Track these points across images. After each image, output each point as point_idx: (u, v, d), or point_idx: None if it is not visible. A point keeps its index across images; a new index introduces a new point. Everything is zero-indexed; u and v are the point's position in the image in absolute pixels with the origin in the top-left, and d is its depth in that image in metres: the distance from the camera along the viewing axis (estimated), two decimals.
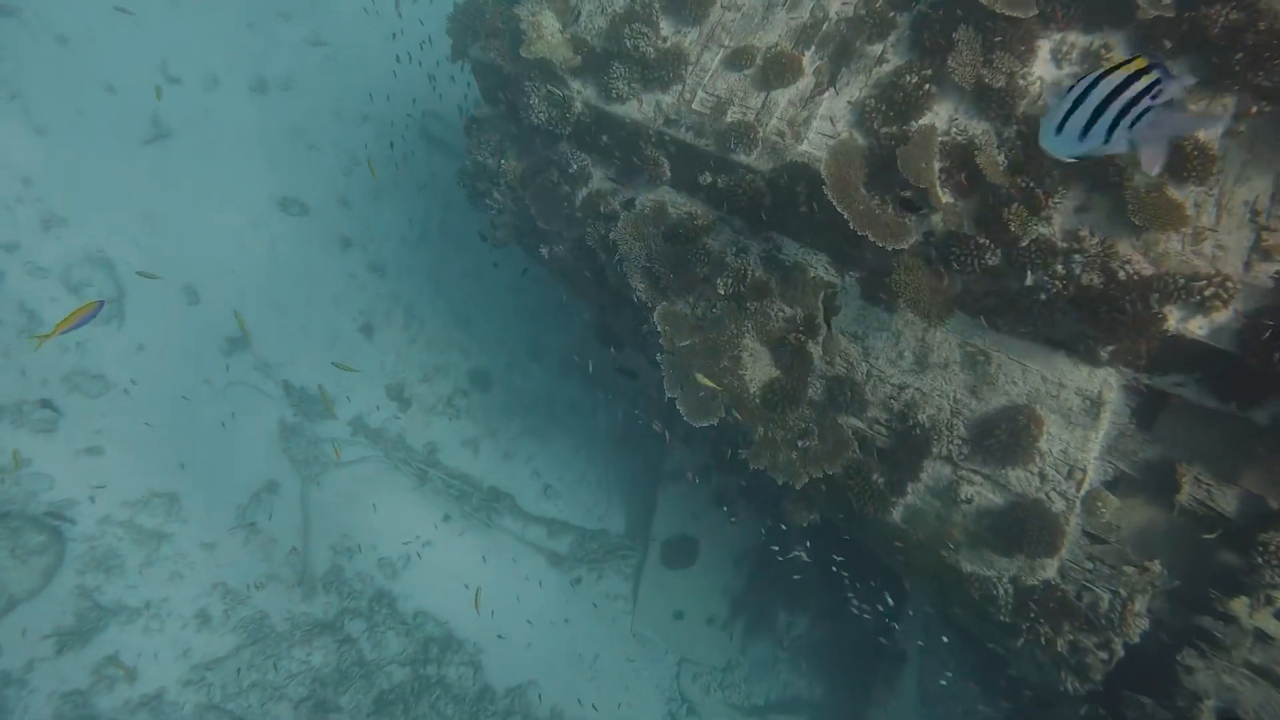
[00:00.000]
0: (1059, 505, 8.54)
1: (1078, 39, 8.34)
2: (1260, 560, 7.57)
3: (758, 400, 9.80)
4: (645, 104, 10.32)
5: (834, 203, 8.07)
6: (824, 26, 9.56)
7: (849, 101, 9.26)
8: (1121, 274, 7.53)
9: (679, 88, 10.19)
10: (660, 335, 9.92)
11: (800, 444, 9.55)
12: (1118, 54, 8.12)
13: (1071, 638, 8.50)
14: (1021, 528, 8.51)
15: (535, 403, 19.13)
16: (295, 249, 18.87)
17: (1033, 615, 8.48)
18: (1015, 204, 7.68)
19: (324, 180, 20.03)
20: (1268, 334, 7.22)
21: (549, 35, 10.29)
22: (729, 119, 9.73)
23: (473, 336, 19.48)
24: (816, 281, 9.71)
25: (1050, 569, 8.69)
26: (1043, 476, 8.67)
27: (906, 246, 8.39)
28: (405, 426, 17.61)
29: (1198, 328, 7.70)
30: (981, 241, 8.07)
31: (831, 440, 9.51)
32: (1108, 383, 8.45)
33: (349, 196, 20.02)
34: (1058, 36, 8.43)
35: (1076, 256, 7.72)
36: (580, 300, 14.34)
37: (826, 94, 9.33)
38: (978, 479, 8.97)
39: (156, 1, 19.67)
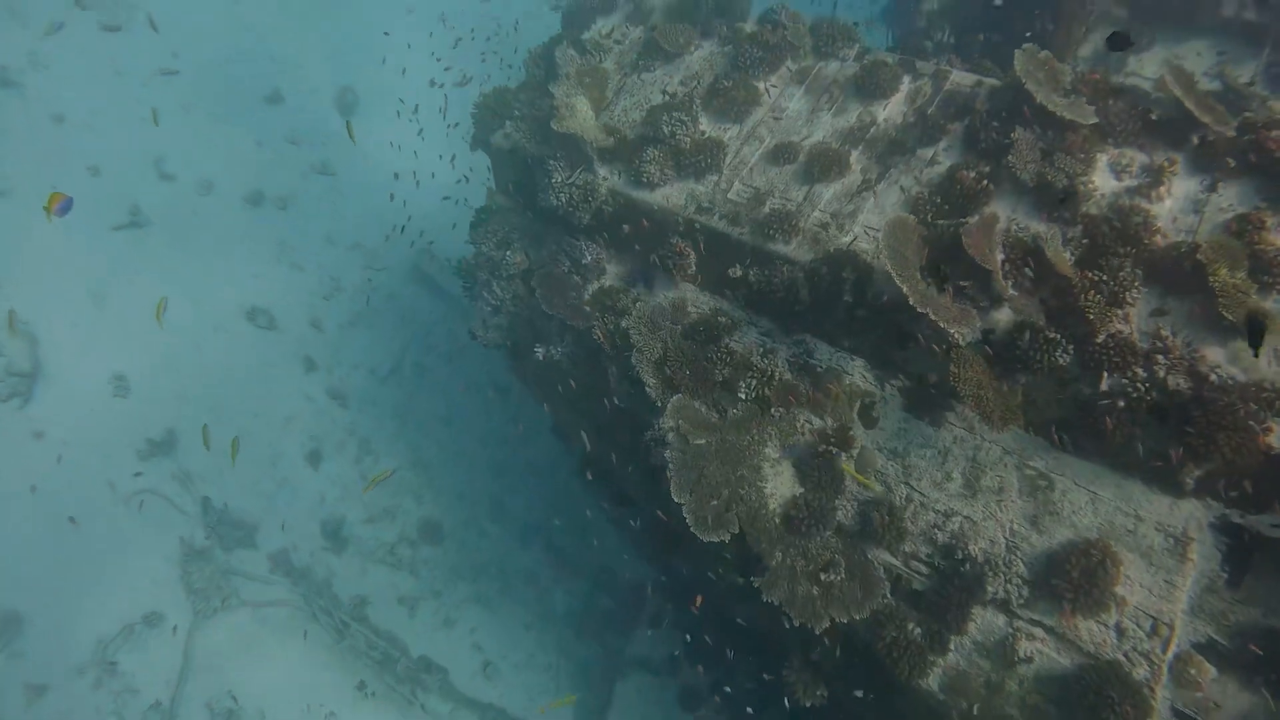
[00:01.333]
0: (1141, 671, 7.48)
1: (1136, 155, 8.68)
2: None
3: (777, 520, 8.93)
4: (677, 192, 10.55)
5: (893, 274, 7.96)
6: (871, 130, 10.00)
7: (900, 199, 9.41)
8: (1213, 377, 7.16)
9: (714, 178, 10.52)
10: (670, 434, 9.22)
11: (823, 577, 8.54)
12: (1179, 168, 8.39)
13: None
14: (1096, 699, 7.37)
15: (488, 567, 17.78)
16: (253, 361, 18.58)
17: None
18: (1092, 291, 7.45)
19: (301, 299, 20.27)
20: None
21: (582, 116, 10.66)
22: (768, 209, 9.84)
23: (430, 483, 18.54)
24: (853, 389, 9.25)
25: None
26: (1120, 631, 7.70)
27: (971, 333, 8.08)
28: (336, 570, 15.94)
29: None
30: (1052, 335, 7.75)
31: (860, 578, 8.54)
32: (1194, 518, 7.77)
33: (323, 320, 20.11)
34: (1115, 151, 8.76)
35: (1159, 358, 7.40)
36: (566, 428, 13.71)
37: (876, 188, 9.51)
38: (1040, 632, 7.93)
39: (169, 104, 20.83)
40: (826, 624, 8.63)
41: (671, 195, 10.74)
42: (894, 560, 8.75)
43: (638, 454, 11.19)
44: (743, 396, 9.57)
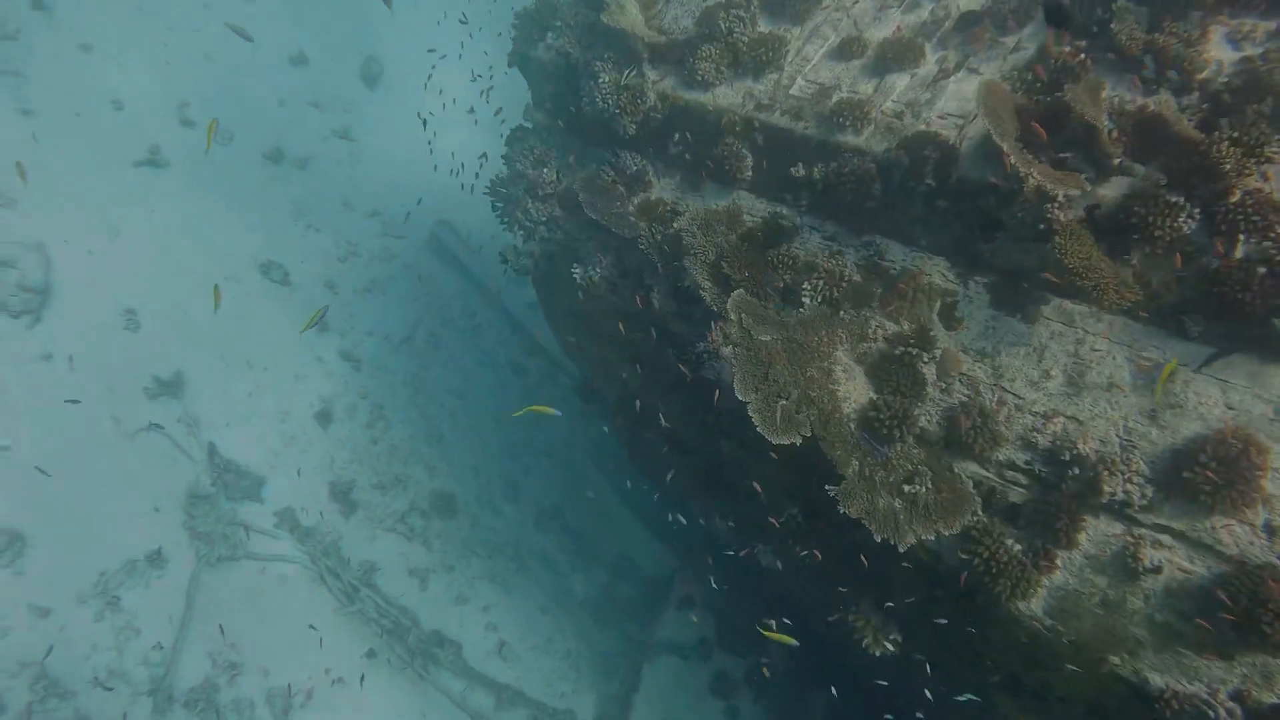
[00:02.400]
0: None
1: (1259, 23, 7.84)
2: None
3: (853, 425, 7.92)
4: (734, 92, 9.76)
5: (991, 131, 6.98)
6: (946, 23, 9.18)
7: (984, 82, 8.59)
8: None
9: (775, 75, 9.72)
10: (733, 329, 8.28)
11: (907, 489, 7.52)
12: None
13: None
14: (1246, 610, 6.28)
15: (503, 546, 16.67)
16: (266, 313, 17.65)
17: None
18: (1225, 143, 6.54)
19: (316, 259, 19.48)
20: None
21: (632, 13, 9.91)
22: (834, 101, 9.02)
23: (444, 456, 17.47)
24: (932, 288, 8.31)
25: None
26: (1272, 532, 6.62)
27: (1079, 195, 7.17)
28: (344, 533, 14.84)
29: None
30: (1174, 200, 6.83)
31: (948, 489, 7.51)
32: None
33: (338, 283, 19.25)
34: (1233, 21, 7.93)
35: None
36: (599, 374, 12.78)
37: (953, 77, 8.68)
38: (1167, 539, 6.88)
39: (193, 53, 20.28)
40: (911, 541, 7.64)
41: (728, 95, 9.84)
42: (985, 472, 7.76)
43: (682, 390, 10.30)
44: (807, 300, 8.67)
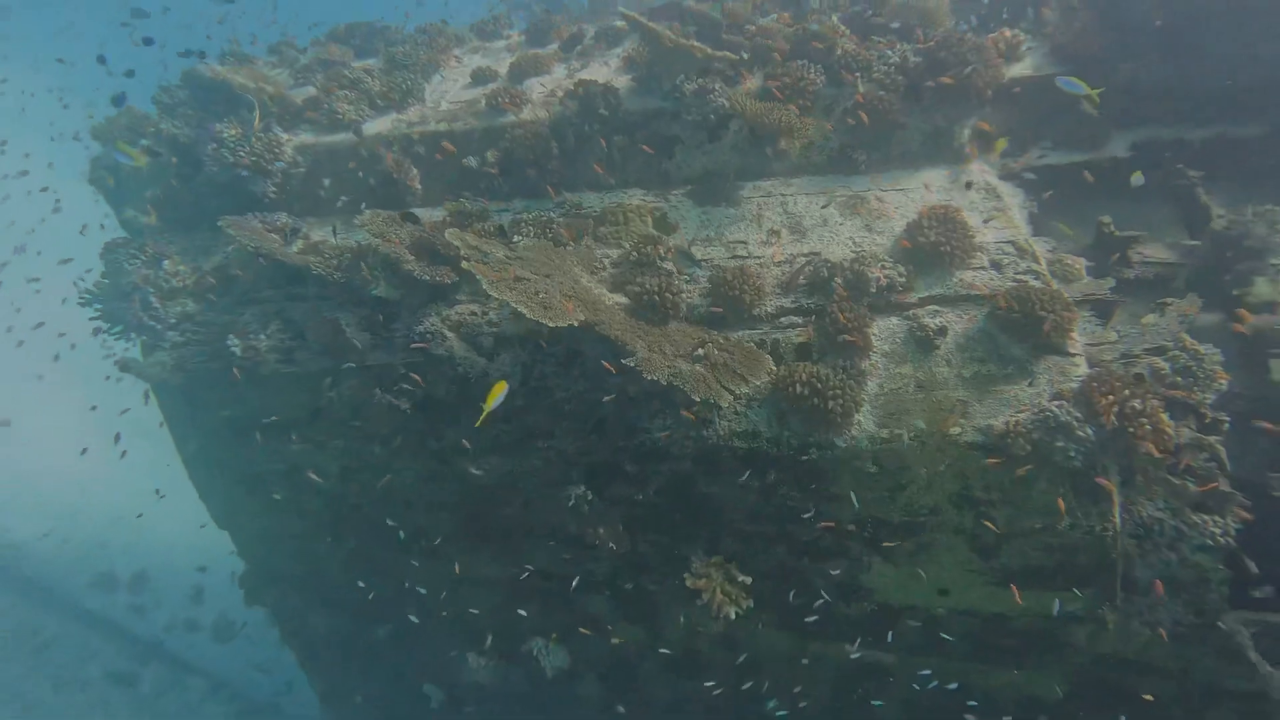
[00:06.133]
0: (1037, 281, 7.08)
1: None
2: None
3: (621, 312, 7.21)
4: (382, 123, 9.42)
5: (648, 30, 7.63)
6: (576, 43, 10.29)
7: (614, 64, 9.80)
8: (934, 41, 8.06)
9: (419, 106, 9.61)
10: (457, 240, 7.35)
11: (700, 353, 6.93)
12: None
13: None
14: (1028, 318, 6.73)
15: None
16: None
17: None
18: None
19: None
20: None
21: (253, 72, 9.37)
22: (485, 103, 9.25)
23: None
24: (640, 208, 8.39)
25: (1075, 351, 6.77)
26: (998, 266, 7.34)
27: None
28: None
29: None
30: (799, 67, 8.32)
31: (739, 352, 7.09)
32: (986, 169, 8.17)
33: None
34: None
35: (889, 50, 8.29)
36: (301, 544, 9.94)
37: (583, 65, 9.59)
38: (935, 307, 7.20)
39: None
40: (729, 398, 6.84)
41: (375, 127, 9.53)
42: (760, 330, 7.52)
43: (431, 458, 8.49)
44: (518, 239, 8.11)
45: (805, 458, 6.90)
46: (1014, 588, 6.66)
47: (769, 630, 7.91)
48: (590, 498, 7.51)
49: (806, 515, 7.03)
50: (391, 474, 8.39)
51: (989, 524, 6.62)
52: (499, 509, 8.16)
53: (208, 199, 9.42)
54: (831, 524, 6.96)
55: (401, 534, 8.70)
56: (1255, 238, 7.34)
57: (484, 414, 6.41)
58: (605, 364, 6.96)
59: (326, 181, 9.36)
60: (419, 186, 9.18)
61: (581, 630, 8.63)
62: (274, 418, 8.42)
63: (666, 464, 7.28)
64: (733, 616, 7.06)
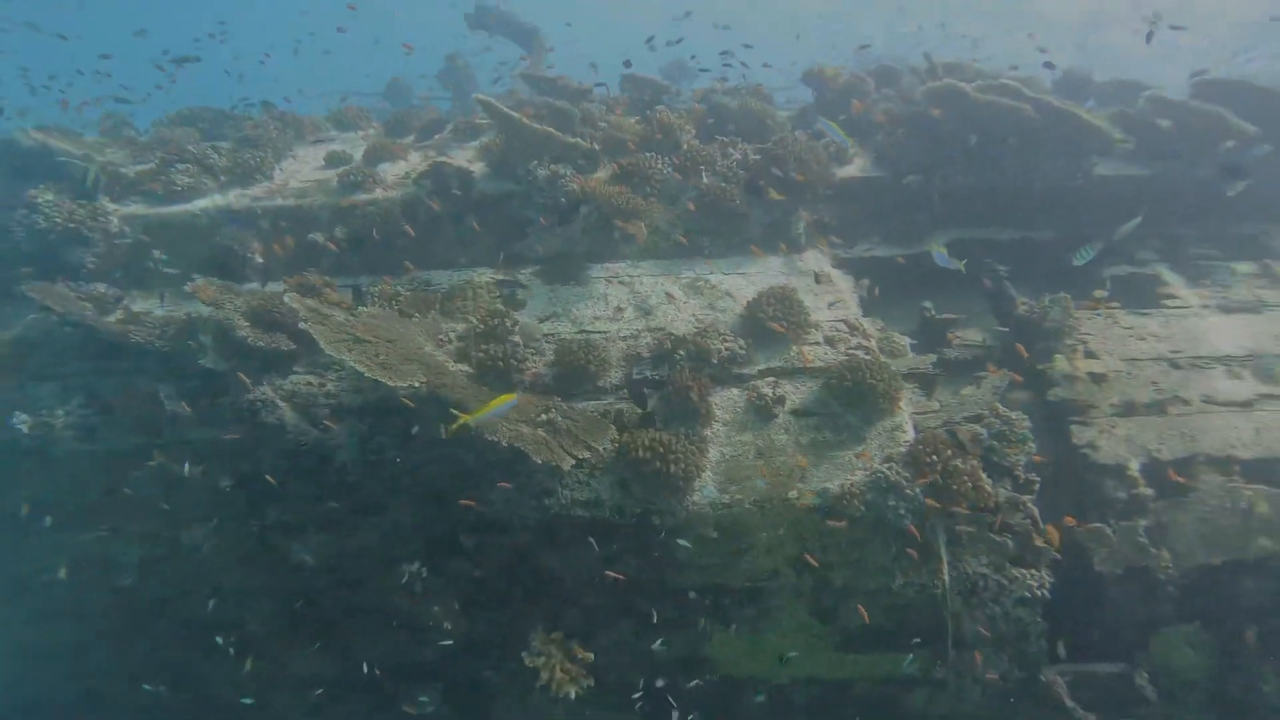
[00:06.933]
0: (875, 359, 7.49)
1: None
2: None
3: (464, 377, 7.10)
4: (224, 196, 9.16)
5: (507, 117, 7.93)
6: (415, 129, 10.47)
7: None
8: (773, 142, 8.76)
9: (266, 183, 9.45)
10: (299, 305, 7.06)
11: (544, 417, 6.87)
12: None
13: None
14: (859, 388, 7.17)
15: None
16: None
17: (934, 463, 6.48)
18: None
19: None
20: None
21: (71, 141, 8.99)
22: (338, 182, 9.23)
23: None
24: (489, 286, 8.42)
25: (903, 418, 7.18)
26: (831, 341, 7.73)
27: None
28: None
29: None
30: (650, 157, 8.79)
31: (582, 419, 7.09)
32: (820, 256, 8.74)
33: None
34: None
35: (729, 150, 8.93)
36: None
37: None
38: (774, 378, 7.48)
39: None
40: (571, 462, 6.72)
41: (218, 200, 9.28)
42: (604, 401, 7.52)
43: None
44: (364, 307, 7.90)
45: (648, 525, 6.88)
46: (861, 608, 6.67)
47: (609, 714, 7.57)
48: (425, 574, 7.11)
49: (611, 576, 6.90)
50: (203, 559, 7.69)
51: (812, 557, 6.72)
52: (326, 594, 7.59)
53: (12, 268, 8.78)
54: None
55: (219, 639, 7.89)
56: (1053, 321, 8.19)
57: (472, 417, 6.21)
58: (444, 431, 6.79)
59: (158, 253, 8.96)
60: (261, 260, 8.93)
61: None
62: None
63: (506, 536, 7.04)
64: (573, 696, 6.73)
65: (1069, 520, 6.87)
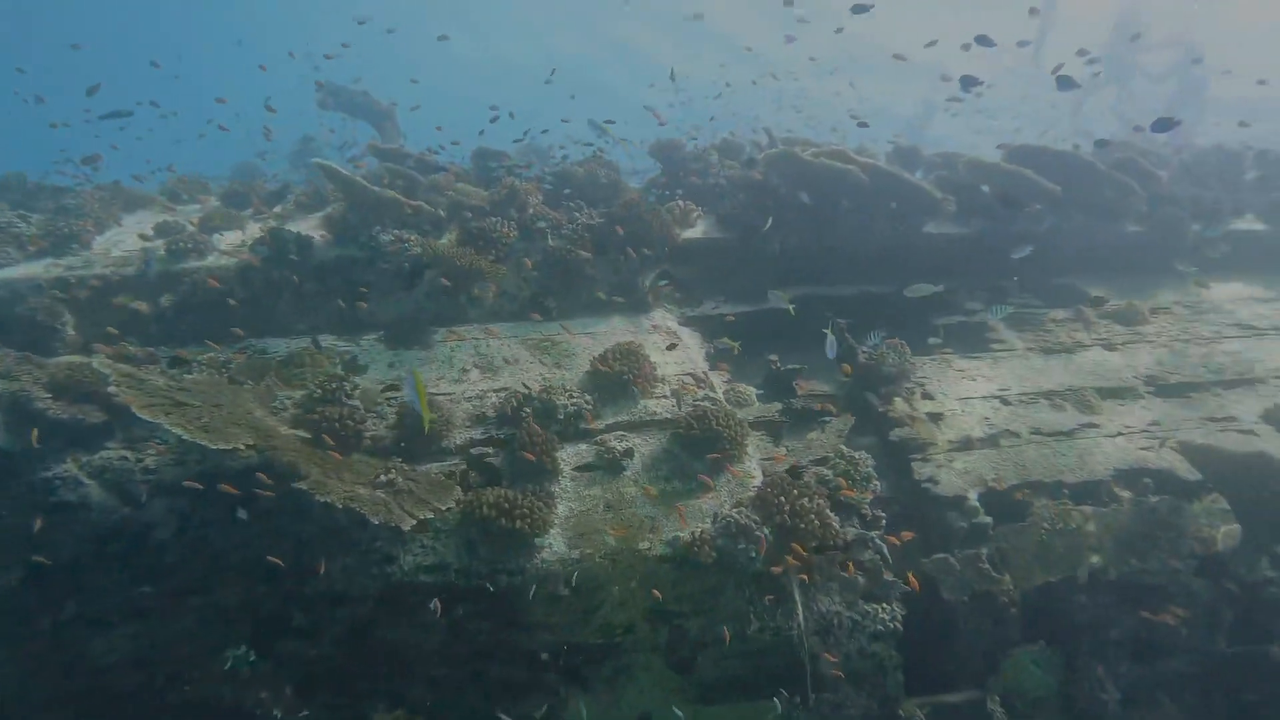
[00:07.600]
0: (715, 407, 7.53)
1: None
2: None
3: (298, 440, 6.68)
4: (33, 266, 8.51)
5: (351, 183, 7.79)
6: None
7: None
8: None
9: (85, 253, 8.85)
10: (109, 369, 6.48)
11: (383, 478, 6.54)
12: None
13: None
14: (706, 436, 7.25)
15: None
16: None
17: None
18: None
19: None
20: None
21: None
22: (169, 241, 8.78)
23: None
24: (327, 353, 8.07)
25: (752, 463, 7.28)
26: (678, 396, 7.77)
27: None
28: None
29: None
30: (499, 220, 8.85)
31: (423, 481, 6.81)
32: (666, 315, 8.87)
33: None
34: None
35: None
36: None
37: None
38: (621, 431, 7.42)
39: None
40: (412, 522, 6.36)
41: (26, 269, 8.61)
42: (449, 462, 7.24)
43: None
44: (191, 375, 7.37)
45: (495, 586, 6.57)
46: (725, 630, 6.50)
47: None
48: (252, 658, 6.50)
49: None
50: None
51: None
52: (133, 695, 6.80)
53: None
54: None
55: None
56: (891, 365, 8.56)
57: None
58: (263, 493, 6.35)
59: None
60: (73, 333, 8.30)
61: None
62: None
63: (344, 608, 6.55)
64: None
65: (906, 535, 7.01)
